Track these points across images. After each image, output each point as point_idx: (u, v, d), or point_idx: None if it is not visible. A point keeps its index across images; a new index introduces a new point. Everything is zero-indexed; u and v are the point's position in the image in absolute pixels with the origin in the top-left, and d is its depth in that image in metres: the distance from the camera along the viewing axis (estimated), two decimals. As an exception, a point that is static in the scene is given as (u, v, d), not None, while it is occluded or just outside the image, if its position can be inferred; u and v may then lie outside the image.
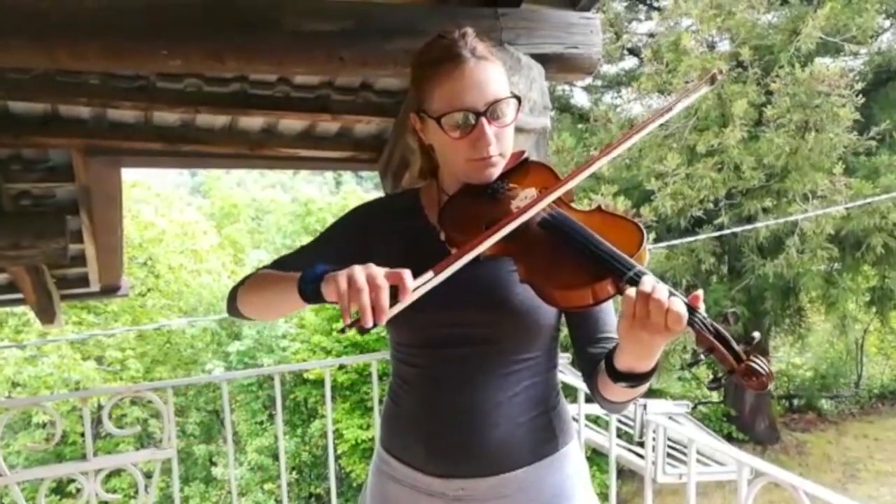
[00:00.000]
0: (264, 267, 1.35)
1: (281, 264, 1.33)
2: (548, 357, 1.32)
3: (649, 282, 0.99)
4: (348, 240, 1.36)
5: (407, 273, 1.01)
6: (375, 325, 0.99)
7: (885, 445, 11.49)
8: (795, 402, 13.60)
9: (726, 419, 11.89)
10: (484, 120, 1.18)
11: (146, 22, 1.84)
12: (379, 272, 1.00)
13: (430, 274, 1.03)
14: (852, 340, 13.25)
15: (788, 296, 10.32)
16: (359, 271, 1.00)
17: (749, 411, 11.66)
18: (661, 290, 0.98)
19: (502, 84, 1.21)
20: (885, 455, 11.15)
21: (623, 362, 1.10)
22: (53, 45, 1.77)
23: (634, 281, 1.00)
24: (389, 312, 0.99)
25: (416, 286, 1.02)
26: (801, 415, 13.05)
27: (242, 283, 1.32)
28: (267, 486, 10.71)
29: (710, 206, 9.18)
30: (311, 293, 1.10)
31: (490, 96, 1.18)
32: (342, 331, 1.00)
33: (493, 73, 1.20)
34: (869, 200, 8.41)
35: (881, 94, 9.86)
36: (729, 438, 11.46)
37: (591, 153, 9.62)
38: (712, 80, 1.07)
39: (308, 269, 1.12)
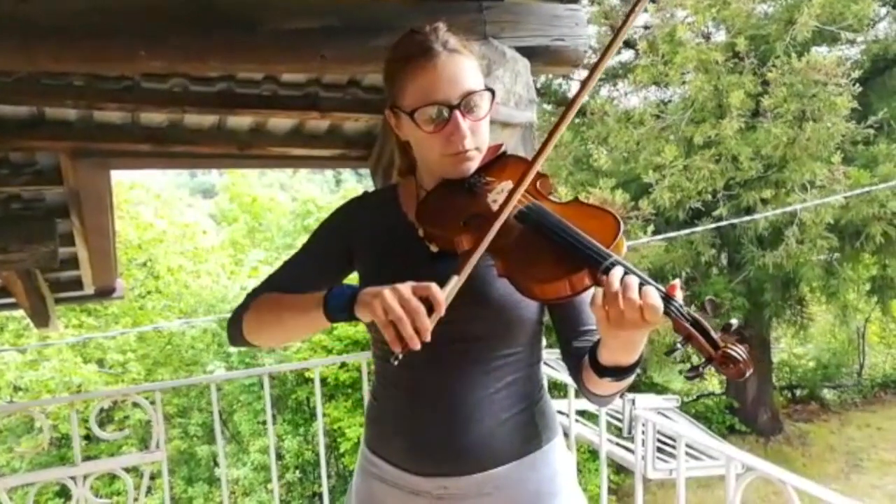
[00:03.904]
0: (257, 289, 1.34)
1: (274, 282, 1.33)
2: (530, 352, 1.31)
3: (618, 276, 0.98)
4: (330, 245, 1.36)
5: (434, 286, 1.03)
6: (423, 342, 1.02)
7: (888, 435, 11.47)
8: (798, 392, 13.58)
9: (729, 411, 11.87)
10: (457, 113, 1.17)
11: (126, 23, 1.83)
12: (408, 294, 1.02)
13: (454, 279, 1.06)
14: (854, 330, 13.25)
15: (789, 286, 10.30)
16: (390, 299, 1.02)
17: (751, 403, 11.65)
18: (632, 285, 0.97)
19: (476, 77, 1.20)
20: (888, 444, 11.14)
21: (607, 357, 1.09)
22: (32, 48, 1.76)
23: (609, 271, 1.00)
24: (430, 328, 1.02)
25: (447, 294, 1.04)
26: (803, 405, 13.03)
27: (244, 310, 1.30)
28: (270, 486, 10.70)
29: (709, 197, 9.15)
30: (342, 318, 1.12)
31: (463, 89, 1.17)
32: (397, 359, 1.02)
33: (465, 66, 1.19)
34: (867, 189, 8.39)
35: (878, 82, 9.82)
36: (732, 430, 11.46)
37: (587, 147, 9.60)
38: None
39: (329, 291, 1.13)
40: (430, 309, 1.02)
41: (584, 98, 1.16)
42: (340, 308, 1.10)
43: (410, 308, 1.01)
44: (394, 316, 1.00)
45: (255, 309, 1.28)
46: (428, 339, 1.01)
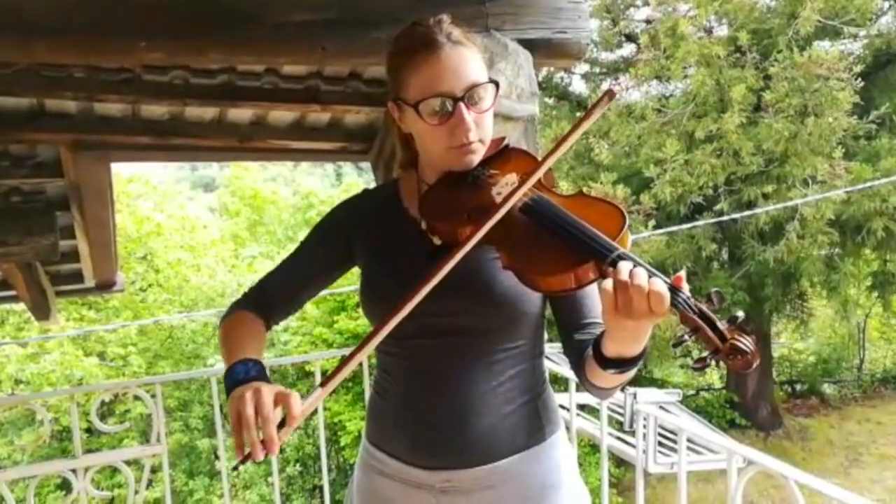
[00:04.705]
0: (247, 294, 1.35)
1: (269, 283, 1.35)
2: (533, 345, 1.30)
3: (627, 267, 0.98)
4: (331, 241, 1.36)
5: (294, 398, 1.02)
6: (268, 455, 1.00)
7: (887, 429, 11.49)
8: (798, 387, 13.60)
9: (729, 405, 11.89)
10: (462, 105, 1.16)
11: (125, 14, 1.82)
12: (267, 399, 1.01)
13: (318, 391, 1.05)
14: (854, 325, 13.26)
15: (789, 281, 10.30)
16: (248, 401, 1.01)
17: (752, 397, 11.66)
18: (641, 275, 0.97)
19: (480, 69, 1.19)
20: (888, 439, 11.16)
21: (611, 349, 1.08)
22: (30, 40, 1.75)
23: (616, 264, 0.99)
24: (280, 440, 1.00)
25: (306, 407, 1.03)
26: (803, 400, 13.05)
27: (227, 314, 1.32)
28: (271, 479, 10.71)
29: (710, 192, 9.15)
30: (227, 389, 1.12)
31: (467, 81, 1.16)
32: (235, 467, 1.02)
33: (469, 59, 1.18)
34: (869, 184, 8.37)
35: (881, 77, 9.80)
36: (732, 425, 11.47)
37: (588, 141, 9.58)
38: (611, 96, 1.09)
39: (240, 361, 1.12)
40: (284, 421, 1.01)
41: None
42: (229, 385, 1.10)
43: (263, 414, 1.00)
44: (243, 420, 1.00)
45: (225, 323, 1.30)
46: (274, 452, 1.00)
